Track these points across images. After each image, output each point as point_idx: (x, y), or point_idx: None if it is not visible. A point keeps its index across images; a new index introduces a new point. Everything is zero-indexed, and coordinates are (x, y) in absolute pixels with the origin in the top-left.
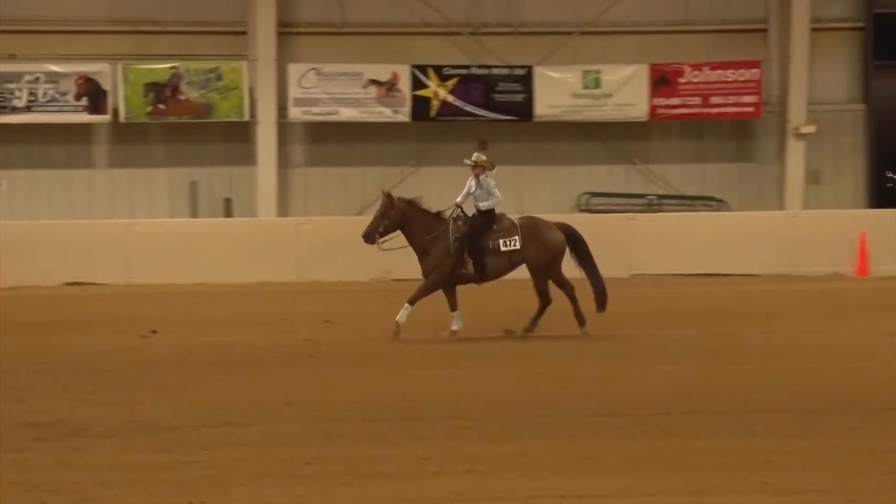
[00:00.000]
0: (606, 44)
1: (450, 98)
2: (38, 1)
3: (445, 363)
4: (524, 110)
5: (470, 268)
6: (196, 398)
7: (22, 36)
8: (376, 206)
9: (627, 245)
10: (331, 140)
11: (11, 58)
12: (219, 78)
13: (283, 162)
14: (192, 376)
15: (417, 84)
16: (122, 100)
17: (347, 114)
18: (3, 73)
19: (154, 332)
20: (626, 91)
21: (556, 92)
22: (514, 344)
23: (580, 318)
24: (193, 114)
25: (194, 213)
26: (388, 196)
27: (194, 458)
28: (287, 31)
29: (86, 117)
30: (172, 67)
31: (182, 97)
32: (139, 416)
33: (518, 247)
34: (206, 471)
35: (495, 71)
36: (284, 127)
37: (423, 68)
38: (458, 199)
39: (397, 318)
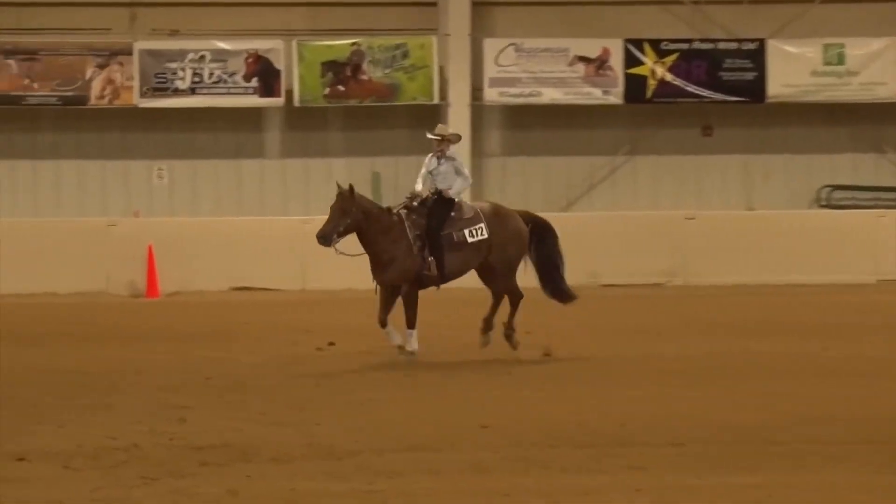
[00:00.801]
0: (851, 13)
1: (668, 77)
2: None
3: (658, 381)
4: (755, 90)
5: (433, 269)
6: (379, 419)
7: (185, 9)
8: (584, 201)
9: (874, 246)
10: (532, 125)
11: (174, 34)
12: (405, 55)
13: (478, 150)
14: (374, 394)
15: (631, 61)
16: (297, 81)
17: (551, 95)
18: (165, 52)
19: (332, 343)
20: (874, 68)
21: (793, 69)
22: (732, 360)
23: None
24: (376, 96)
25: None
26: (350, 191)
27: (377, 487)
28: (482, 1)
29: (256, 100)
30: (353, 44)
31: (364, 77)
32: (315, 439)
33: (486, 236)
34: (389, 501)
35: (722, 45)
36: (479, 110)
37: (637, 43)
38: (418, 187)
39: (408, 348)
